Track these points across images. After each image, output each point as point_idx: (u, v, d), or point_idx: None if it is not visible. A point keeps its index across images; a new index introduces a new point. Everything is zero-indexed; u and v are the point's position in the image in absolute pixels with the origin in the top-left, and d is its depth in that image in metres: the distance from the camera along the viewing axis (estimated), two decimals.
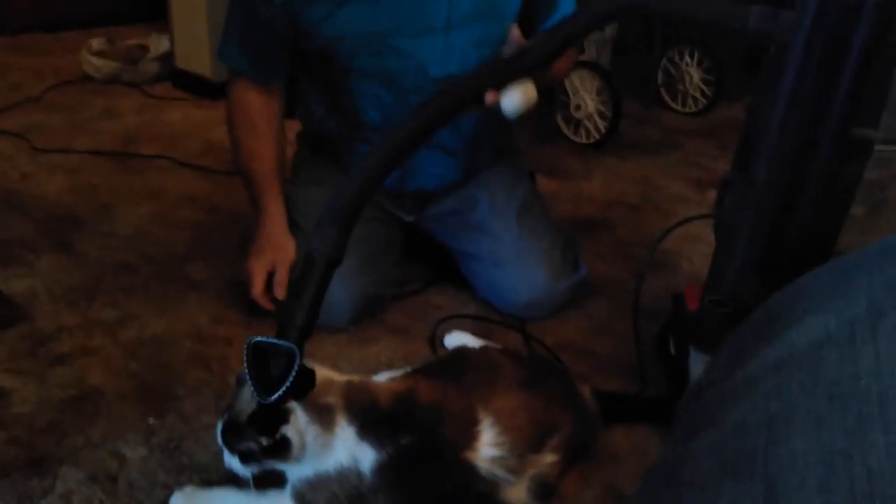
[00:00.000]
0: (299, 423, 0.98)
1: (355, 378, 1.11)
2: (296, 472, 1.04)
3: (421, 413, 1.07)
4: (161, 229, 1.92)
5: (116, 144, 2.45)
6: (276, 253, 1.52)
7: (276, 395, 0.89)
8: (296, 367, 0.90)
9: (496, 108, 1.26)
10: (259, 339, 0.92)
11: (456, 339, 1.48)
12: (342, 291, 1.46)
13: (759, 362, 0.48)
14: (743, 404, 0.47)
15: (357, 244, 1.51)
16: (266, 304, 1.51)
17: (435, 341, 1.52)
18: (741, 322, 0.55)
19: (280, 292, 1.50)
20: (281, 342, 0.93)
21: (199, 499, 1.10)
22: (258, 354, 0.92)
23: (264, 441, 0.96)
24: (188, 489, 1.11)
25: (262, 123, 1.55)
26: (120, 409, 1.29)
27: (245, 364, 0.91)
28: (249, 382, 0.92)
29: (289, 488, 1.06)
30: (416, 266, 1.75)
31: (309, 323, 0.98)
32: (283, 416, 0.97)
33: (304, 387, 0.95)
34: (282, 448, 0.97)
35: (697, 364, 1.24)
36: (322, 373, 1.02)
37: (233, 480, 1.14)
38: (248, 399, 0.97)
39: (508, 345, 1.48)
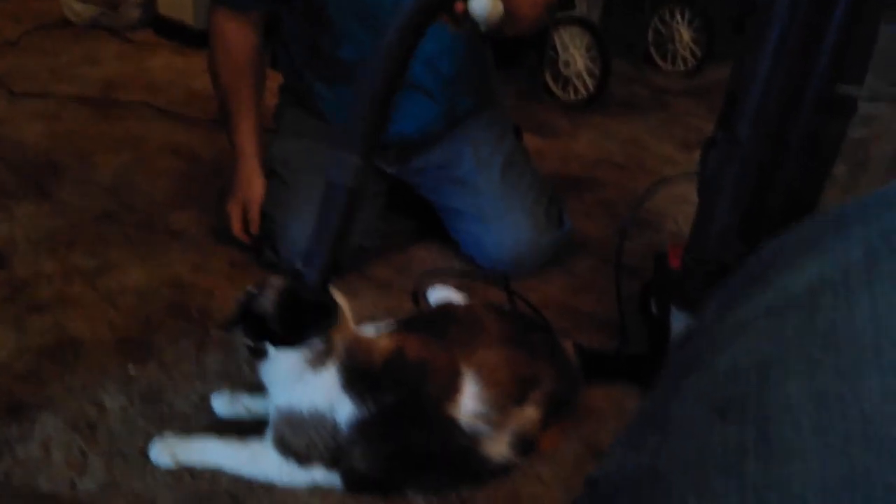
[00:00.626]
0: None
1: (361, 331, 1.11)
2: (275, 397, 1.06)
3: (407, 371, 1.07)
4: (141, 178, 1.90)
5: (96, 91, 2.40)
6: (246, 191, 1.57)
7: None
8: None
9: (466, 19, 1.18)
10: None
11: (440, 293, 1.48)
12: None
13: (751, 307, 0.48)
14: (734, 348, 0.47)
15: None
16: (245, 238, 1.58)
17: (418, 295, 1.51)
18: (728, 274, 0.55)
19: (254, 228, 1.56)
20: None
21: (179, 447, 1.09)
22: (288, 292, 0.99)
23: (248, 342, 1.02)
24: (168, 437, 1.11)
25: (240, 55, 1.56)
26: (99, 357, 1.29)
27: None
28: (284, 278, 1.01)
29: (269, 432, 1.07)
30: (400, 220, 1.74)
31: (335, 256, 0.99)
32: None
33: (326, 322, 1.01)
34: (257, 353, 1.03)
35: (679, 322, 1.25)
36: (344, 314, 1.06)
37: (213, 429, 1.15)
38: (267, 299, 1.00)
39: (492, 301, 1.48)
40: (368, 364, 1.05)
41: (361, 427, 1.02)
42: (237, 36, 1.55)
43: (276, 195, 1.54)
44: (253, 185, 1.57)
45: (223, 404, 1.18)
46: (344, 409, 1.02)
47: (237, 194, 1.57)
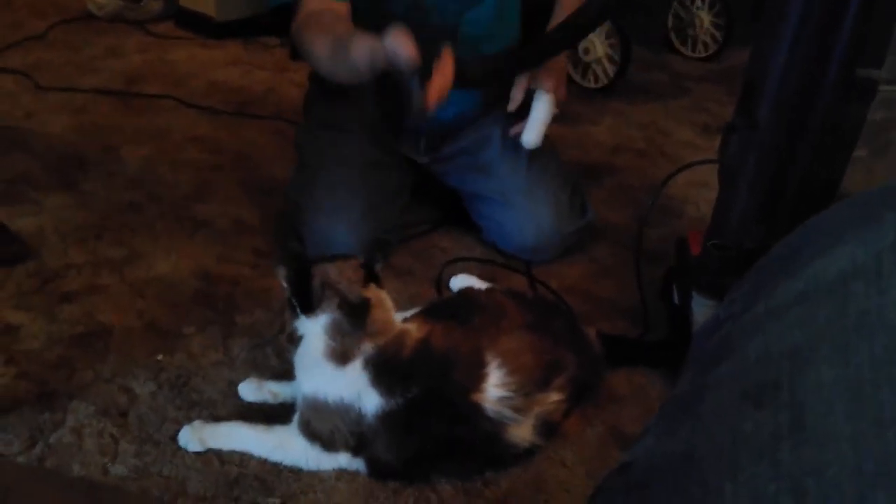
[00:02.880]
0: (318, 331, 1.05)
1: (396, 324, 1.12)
2: (303, 384, 1.08)
3: (434, 362, 1.08)
4: (166, 169, 1.92)
5: (120, 83, 2.43)
6: (372, 42, 1.20)
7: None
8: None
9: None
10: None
11: (461, 281, 1.49)
12: (349, 236, 1.47)
13: (783, 294, 0.48)
14: (766, 335, 0.47)
15: (365, 190, 1.52)
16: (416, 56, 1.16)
17: (441, 283, 1.52)
18: (753, 260, 0.55)
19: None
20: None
21: (208, 433, 1.12)
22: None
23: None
24: (197, 423, 1.13)
25: (333, 20, 1.40)
26: (128, 346, 1.31)
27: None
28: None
29: (296, 418, 1.09)
30: (422, 208, 1.75)
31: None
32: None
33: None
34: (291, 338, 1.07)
35: (700, 308, 1.25)
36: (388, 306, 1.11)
37: (241, 415, 1.17)
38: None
39: (513, 287, 1.49)
40: (396, 359, 1.06)
41: (387, 419, 1.04)
42: (331, 12, 1.40)
43: (303, 186, 1.56)
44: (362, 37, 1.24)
45: (250, 391, 1.21)
46: (371, 402, 1.04)
47: (376, 50, 1.19)
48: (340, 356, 1.04)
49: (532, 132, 1.52)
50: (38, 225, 1.63)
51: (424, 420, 1.05)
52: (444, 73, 1.16)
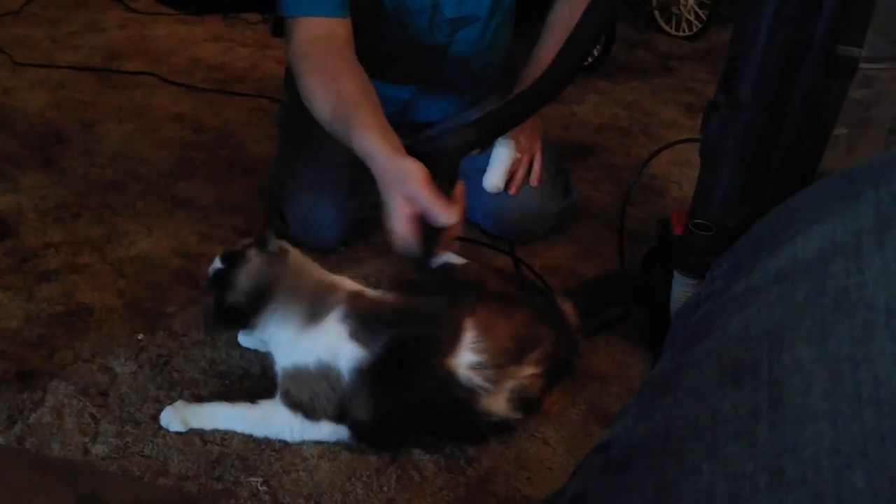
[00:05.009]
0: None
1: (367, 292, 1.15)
2: (279, 358, 1.10)
3: (411, 317, 1.09)
4: (147, 147, 1.90)
5: (100, 60, 2.40)
6: (406, 186, 1.06)
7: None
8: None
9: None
10: None
11: (440, 258, 1.48)
12: (332, 213, 1.46)
13: (762, 272, 0.48)
14: (745, 313, 0.47)
15: (347, 166, 1.50)
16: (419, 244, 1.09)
17: (422, 262, 1.52)
18: (735, 239, 0.55)
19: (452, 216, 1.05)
20: None
21: (190, 413, 1.11)
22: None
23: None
24: (179, 404, 1.13)
25: (337, 65, 1.27)
26: (109, 325, 1.30)
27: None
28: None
29: (278, 390, 1.10)
30: None
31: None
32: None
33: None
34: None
35: (681, 288, 1.25)
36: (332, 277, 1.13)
37: (222, 394, 1.17)
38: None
39: (493, 264, 1.48)
40: (373, 311, 1.08)
41: (364, 373, 1.05)
42: (334, 43, 1.29)
43: (286, 164, 1.55)
44: (410, 174, 1.05)
45: (245, 336, 1.27)
46: (348, 356, 1.05)
47: (397, 200, 1.07)
48: (311, 318, 1.06)
49: (493, 176, 1.52)
50: (15, 203, 1.61)
51: (399, 375, 1.06)
52: (454, 232, 1.09)
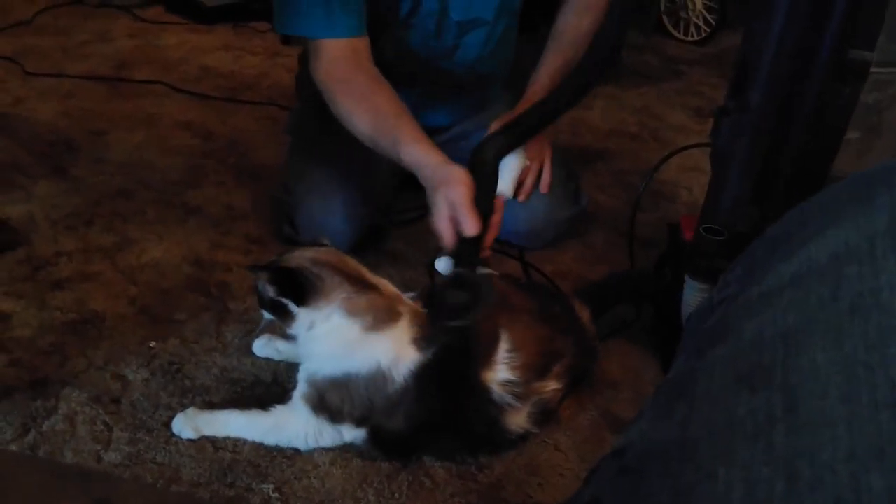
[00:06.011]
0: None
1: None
2: (319, 368, 1.06)
3: (460, 328, 1.08)
4: (157, 155, 1.91)
5: (109, 69, 2.41)
6: (447, 188, 1.16)
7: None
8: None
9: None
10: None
11: (447, 262, 1.48)
12: (343, 221, 1.46)
13: (776, 277, 0.48)
14: (759, 318, 0.46)
15: (359, 175, 1.51)
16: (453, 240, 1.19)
17: (433, 269, 1.52)
18: (746, 244, 0.55)
19: (471, 227, 1.14)
20: None
21: (202, 420, 1.11)
22: None
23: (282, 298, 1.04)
24: (191, 411, 1.13)
25: (368, 85, 1.34)
26: (121, 332, 1.31)
27: None
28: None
29: (296, 395, 1.08)
30: (414, 193, 1.74)
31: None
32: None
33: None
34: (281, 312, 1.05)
35: (692, 293, 1.25)
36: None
37: (234, 402, 1.17)
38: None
39: (506, 272, 1.48)
40: (427, 319, 1.08)
41: (417, 378, 1.03)
42: (359, 68, 1.35)
43: (296, 170, 1.55)
44: (458, 178, 1.15)
45: (259, 346, 1.26)
46: (406, 362, 1.03)
47: (442, 203, 1.17)
48: (376, 325, 1.04)
49: (503, 183, 1.48)
50: (27, 212, 1.62)
51: (446, 383, 1.05)
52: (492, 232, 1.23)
